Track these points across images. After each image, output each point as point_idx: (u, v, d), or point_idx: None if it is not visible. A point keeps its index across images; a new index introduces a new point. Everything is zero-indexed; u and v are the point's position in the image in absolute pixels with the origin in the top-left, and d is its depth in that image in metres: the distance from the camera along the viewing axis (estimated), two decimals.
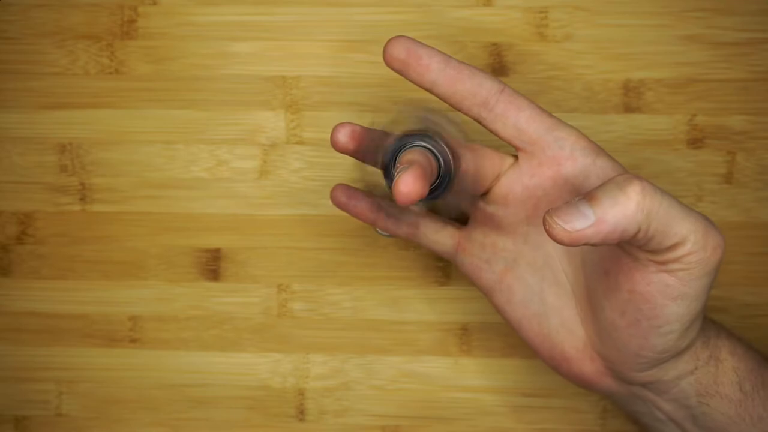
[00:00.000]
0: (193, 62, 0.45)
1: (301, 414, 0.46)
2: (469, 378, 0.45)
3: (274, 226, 0.45)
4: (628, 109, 0.44)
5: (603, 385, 0.37)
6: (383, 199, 0.39)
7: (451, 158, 0.34)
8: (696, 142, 0.43)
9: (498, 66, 0.44)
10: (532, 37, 0.44)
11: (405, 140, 0.34)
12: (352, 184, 0.44)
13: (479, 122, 0.36)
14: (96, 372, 0.46)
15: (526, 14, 0.44)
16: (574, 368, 0.37)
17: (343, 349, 0.45)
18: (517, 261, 0.37)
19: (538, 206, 0.36)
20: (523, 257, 0.37)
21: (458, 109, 0.36)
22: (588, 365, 0.37)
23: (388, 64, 0.35)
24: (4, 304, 0.46)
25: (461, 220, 0.41)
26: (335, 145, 0.37)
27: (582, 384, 0.37)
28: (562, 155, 0.36)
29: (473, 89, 0.35)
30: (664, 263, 0.31)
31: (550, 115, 0.36)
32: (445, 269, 0.45)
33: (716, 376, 0.36)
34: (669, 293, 0.32)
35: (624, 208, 0.29)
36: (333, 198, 0.40)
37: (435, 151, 0.34)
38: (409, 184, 0.30)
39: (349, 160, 0.45)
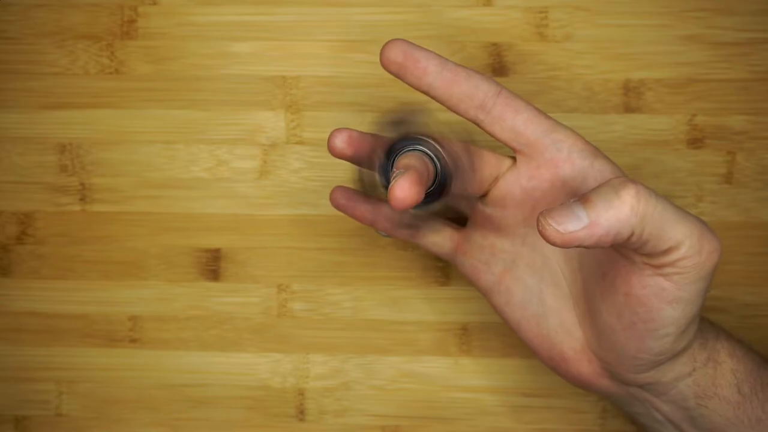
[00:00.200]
0: (193, 62, 0.45)
1: (301, 414, 0.46)
2: (469, 378, 0.45)
3: (274, 226, 0.45)
4: (628, 109, 0.43)
5: (601, 385, 0.37)
6: (382, 201, 0.39)
7: (447, 162, 0.34)
8: (696, 142, 0.43)
9: (498, 66, 0.44)
10: (532, 37, 0.44)
11: (402, 144, 0.34)
12: (351, 186, 0.44)
13: (477, 125, 0.36)
14: (96, 372, 0.46)
15: (526, 14, 0.43)
16: (573, 369, 0.37)
17: (343, 349, 0.45)
18: (516, 262, 0.37)
19: (536, 208, 0.36)
20: (522, 258, 0.37)
21: (455, 112, 0.36)
22: (586, 366, 0.37)
23: (385, 67, 0.35)
24: (4, 304, 0.46)
25: (460, 220, 0.41)
26: (332, 151, 0.37)
27: (580, 384, 0.38)
28: (560, 157, 0.35)
29: (470, 92, 0.35)
30: (659, 267, 0.31)
31: (548, 117, 0.36)
32: (444, 269, 0.45)
33: (714, 377, 0.36)
34: (664, 297, 0.32)
35: (618, 212, 0.29)
36: (332, 200, 0.40)
37: (432, 155, 0.34)
38: (404, 189, 0.30)
39: None
